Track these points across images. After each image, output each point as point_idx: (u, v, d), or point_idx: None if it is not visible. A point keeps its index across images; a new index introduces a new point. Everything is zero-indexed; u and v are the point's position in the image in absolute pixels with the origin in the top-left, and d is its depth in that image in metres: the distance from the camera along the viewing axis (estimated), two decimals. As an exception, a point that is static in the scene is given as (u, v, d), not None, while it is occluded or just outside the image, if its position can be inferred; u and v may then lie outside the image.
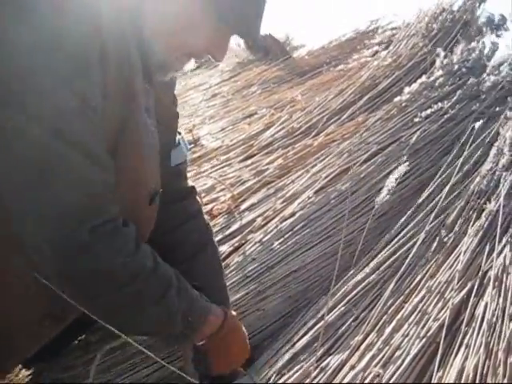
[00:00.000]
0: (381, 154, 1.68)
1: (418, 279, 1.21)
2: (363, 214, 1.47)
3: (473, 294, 1.12)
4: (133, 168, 0.82)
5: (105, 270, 0.71)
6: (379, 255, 1.34)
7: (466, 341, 1.02)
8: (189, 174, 1.72)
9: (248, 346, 1.03)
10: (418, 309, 1.12)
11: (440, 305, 1.11)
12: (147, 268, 0.76)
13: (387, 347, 1.04)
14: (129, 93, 0.78)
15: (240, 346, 1.02)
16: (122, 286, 0.74)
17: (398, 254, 1.30)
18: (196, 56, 0.88)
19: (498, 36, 2.27)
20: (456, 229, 1.33)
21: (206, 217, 1.33)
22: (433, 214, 1.38)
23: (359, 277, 1.27)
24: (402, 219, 1.48)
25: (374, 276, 1.26)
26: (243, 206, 1.57)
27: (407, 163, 1.33)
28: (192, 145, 2.16)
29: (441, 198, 1.45)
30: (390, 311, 1.13)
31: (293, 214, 1.49)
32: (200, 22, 0.81)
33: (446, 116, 1.81)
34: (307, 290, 1.40)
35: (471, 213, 1.38)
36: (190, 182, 1.18)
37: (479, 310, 1.08)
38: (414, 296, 1.16)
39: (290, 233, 1.44)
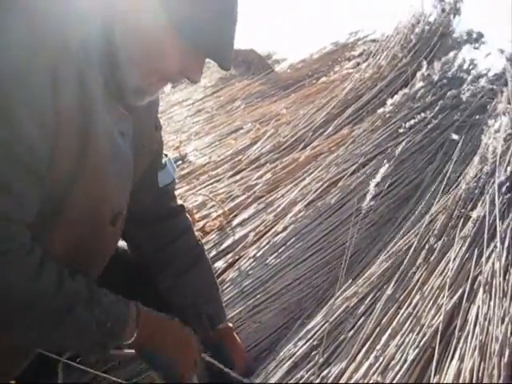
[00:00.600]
0: (368, 165, 1.71)
1: (410, 286, 1.24)
2: (354, 225, 1.50)
3: (464, 299, 1.15)
4: (93, 191, 0.84)
5: (9, 294, 0.75)
6: (372, 264, 1.37)
7: (460, 345, 1.05)
8: (179, 191, 1.76)
9: (194, 348, 1.03)
10: (413, 315, 1.15)
11: (433, 311, 1.14)
12: (49, 290, 0.78)
13: (384, 354, 1.06)
14: (86, 119, 0.79)
15: (173, 343, 0.99)
16: (28, 308, 0.77)
17: (389, 262, 1.33)
18: (171, 80, 0.90)
19: (475, 48, 2.34)
20: (444, 236, 1.37)
21: (199, 233, 1.37)
22: (421, 223, 1.42)
23: (353, 286, 1.30)
24: (392, 228, 1.52)
25: (367, 284, 1.28)
26: (235, 222, 1.59)
27: (387, 166, 1.39)
28: (180, 161, 2.18)
29: (428, 206, 1.50)
30: (385, 319, 1.16)
31: (285, 229, 1.51)
32: (173, 48, 0.83)
33: (429, 126, 1.86)
34: (301, 302, 1.42)
35: (458, 220, 1.42)
36: (179, 201, 1.22)
37: (471, 315, 1.11)
38: (407, 303, 1.19)
39: (282, 247, 1.46)
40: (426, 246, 1.34)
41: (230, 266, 1.43)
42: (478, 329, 1.06)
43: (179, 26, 0.80)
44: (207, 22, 0.83)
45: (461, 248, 1.31)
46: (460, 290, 1.19)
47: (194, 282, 1.16)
